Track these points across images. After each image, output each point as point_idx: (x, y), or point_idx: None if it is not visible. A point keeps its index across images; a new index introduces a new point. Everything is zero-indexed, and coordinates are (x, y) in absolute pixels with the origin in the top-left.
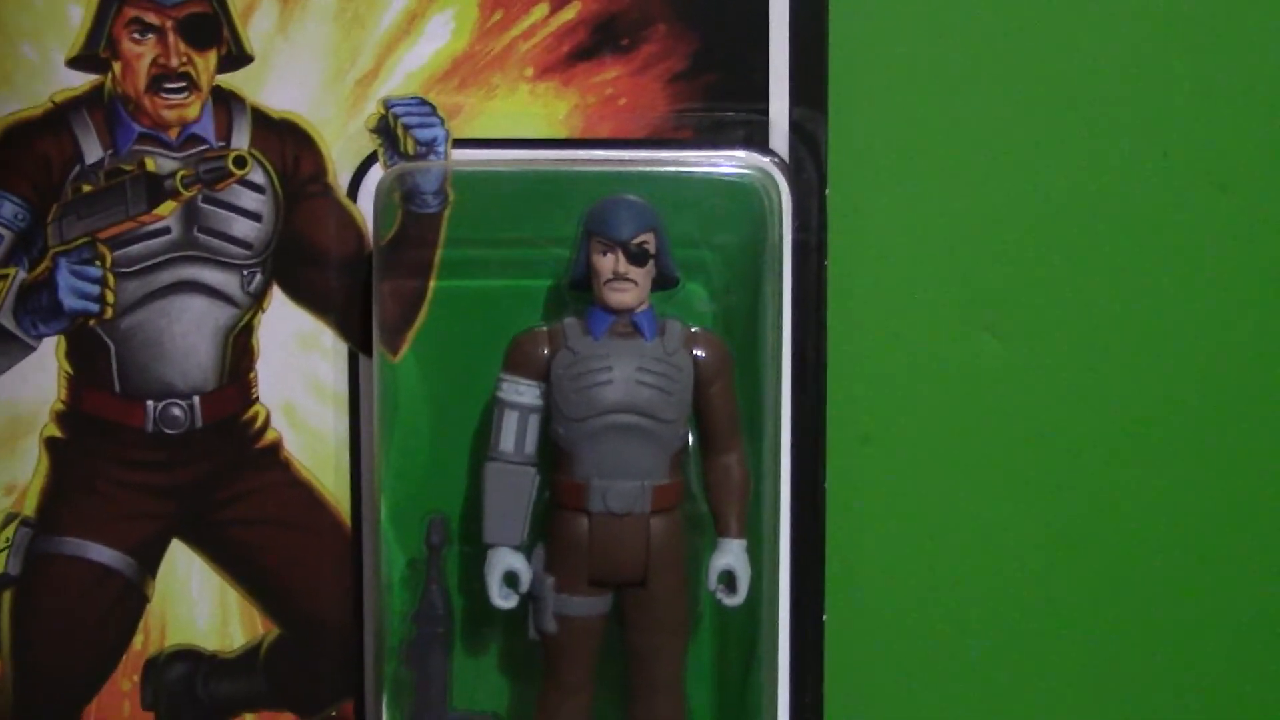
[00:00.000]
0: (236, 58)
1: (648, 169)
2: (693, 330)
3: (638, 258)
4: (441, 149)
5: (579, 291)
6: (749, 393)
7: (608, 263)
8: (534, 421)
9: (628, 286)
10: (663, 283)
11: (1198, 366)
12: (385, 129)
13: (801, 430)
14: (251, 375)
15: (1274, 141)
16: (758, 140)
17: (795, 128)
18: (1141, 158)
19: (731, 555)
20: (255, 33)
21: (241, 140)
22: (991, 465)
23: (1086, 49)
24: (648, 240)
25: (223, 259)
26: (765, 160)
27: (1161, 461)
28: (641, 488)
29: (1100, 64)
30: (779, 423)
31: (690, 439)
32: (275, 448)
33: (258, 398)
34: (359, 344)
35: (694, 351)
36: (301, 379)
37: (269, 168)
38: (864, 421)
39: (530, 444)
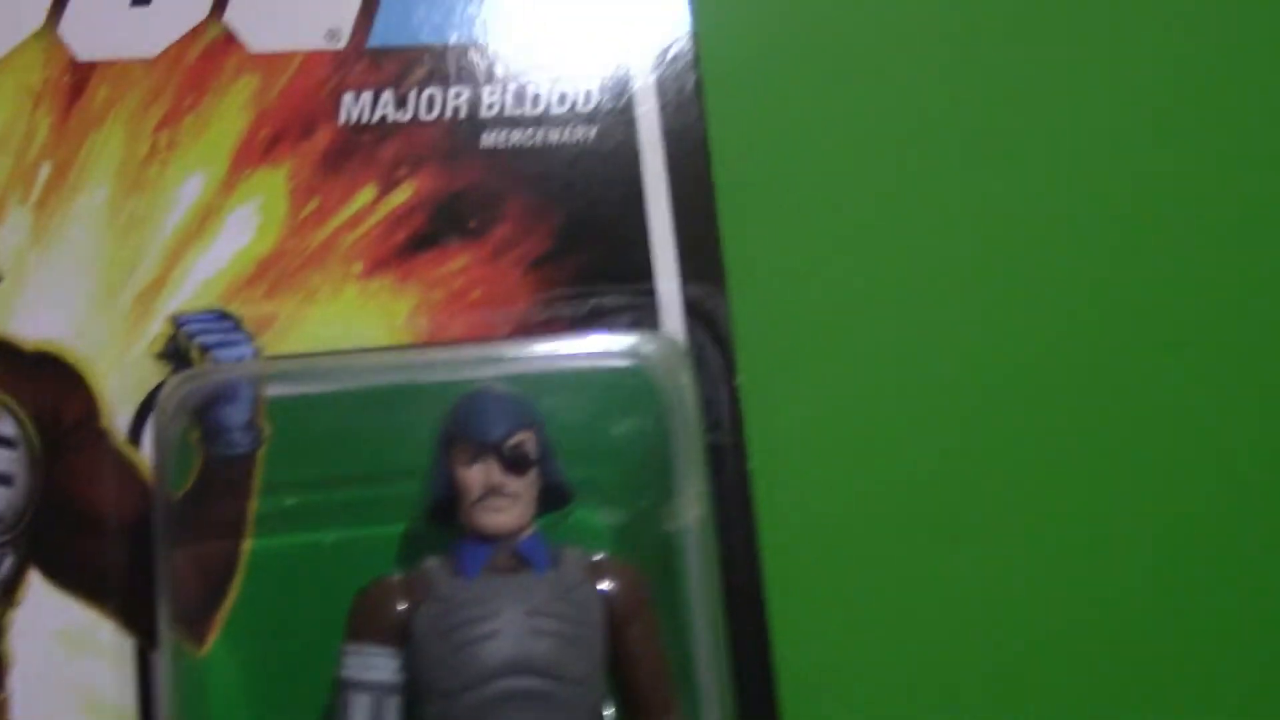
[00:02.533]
0: None
1: (520, 364)
2: (596, 559)
3: (516, 464)
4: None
5: (441, 522)
6: (674, 642)
7: (477, 475)
8: (392, 707)
9: (505, 504)
10: (551, 499)
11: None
12: (176, 353)
13: (742, 677)
14: (2, 696)
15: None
16: (647, 326)
17: (690, 308)
18: (1088, 300)
19: None
20: (2, 248)
21: None
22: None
23: (1026, 178)
24: (525, 440)
25: None
26: (666, 341)
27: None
28: None
29: (1025, 218)
30: (721, 677)
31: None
32: None
33: None
34: (148, 637)
35: (601, 585)
36: (72, 694)
37: (21, 416)
38: (820, 668)
39: None
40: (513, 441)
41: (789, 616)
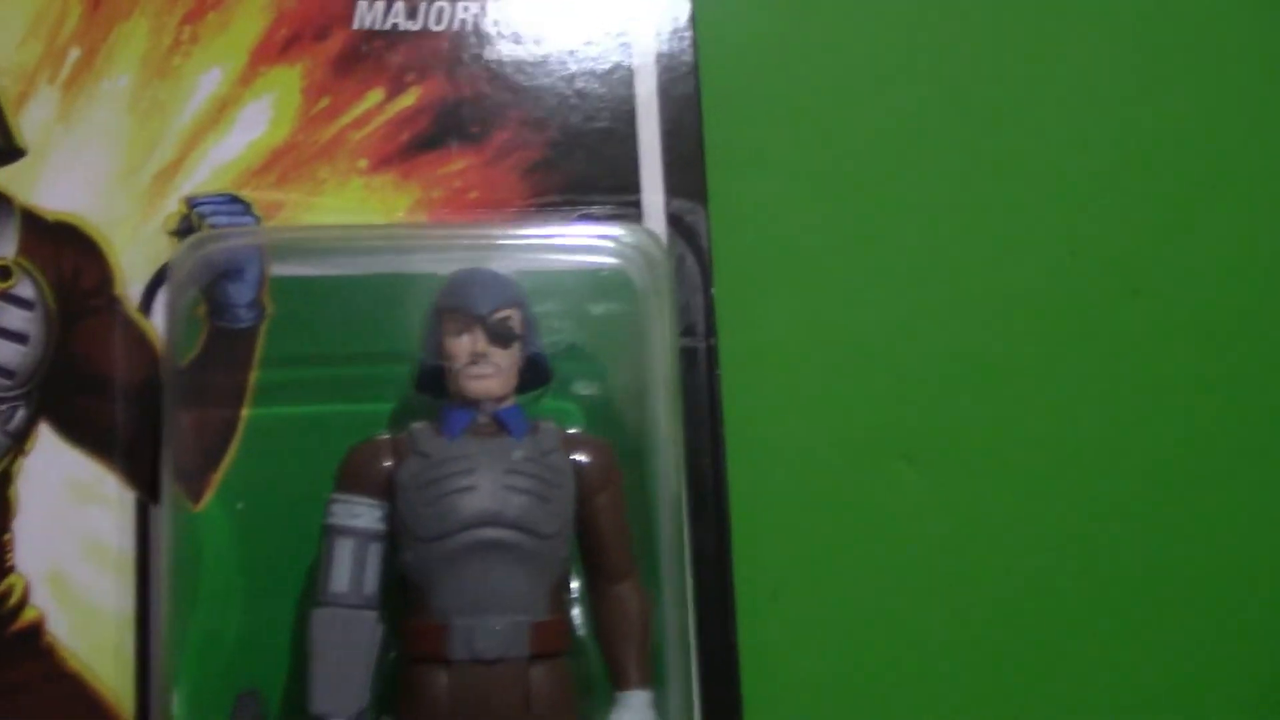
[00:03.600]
0: (4, 152)
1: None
2: (570, 431)
3: (500, 336)
4: (256, 255)
5: (429, 394)
6: (640, 522)
7: (464, 344)
8: (374, 551)
9: (489, 371)
10: (532, 377)
11: (1120, 482)
12: (189, 230)
13: (703, 580)
14: (6, 537)
15: (1188, 243)
16: None
17: (673, 220)
18: (1050, 260)
19: (633, 713)
20: (29, 122)
21: (6, 248)
22: (913, 610)
23: (1000, 142)
24: (511, 316)
25: None
26: (647, 235)
27: (1088, 586)
28: (516, 626)
29: (1010, 159)
30: (681, 563)
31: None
32: (35, 631)
33: (14, 566)
34: (150, 492)
35: (574, 455)
36: (74, 540)
37: (39, 279)
38: (774, 573)
39: (370, 581)
40: (499, 315)
41: (750, 519)
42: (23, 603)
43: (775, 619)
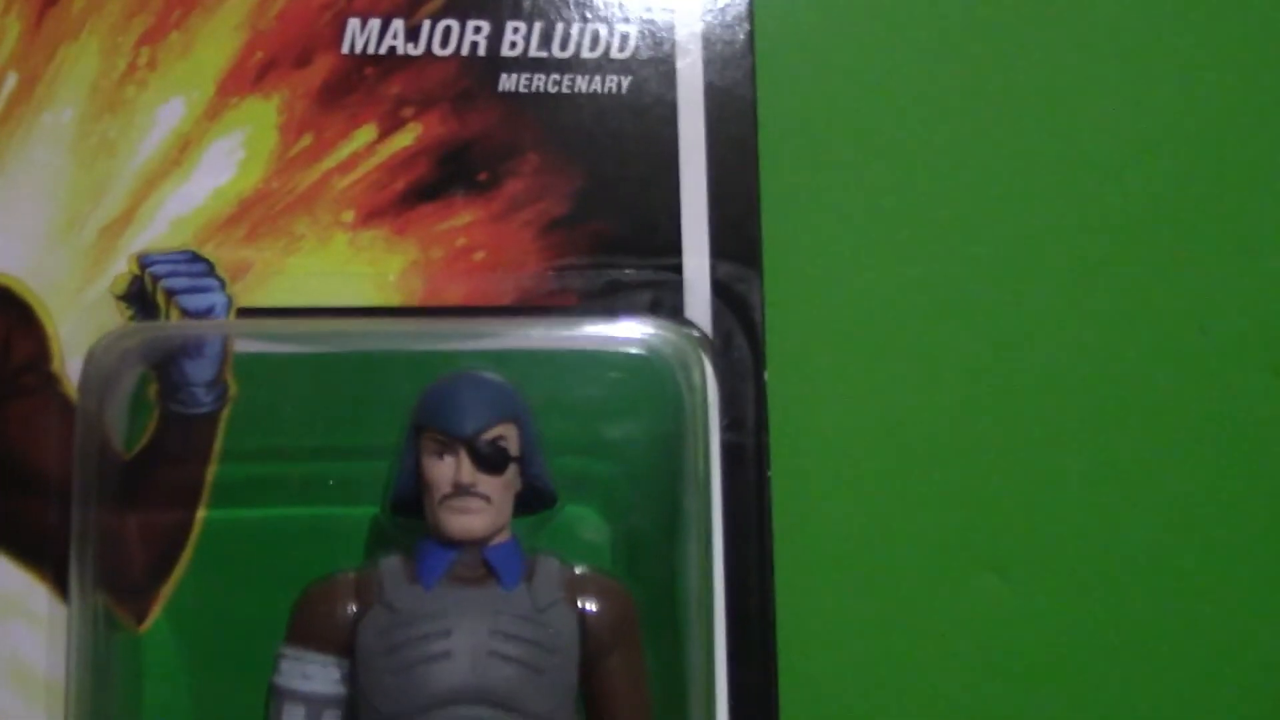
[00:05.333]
0: None
1: (513, 344)
2: (577, 572)
3: (490, 461)
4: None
5: (405, 516)
6: (665, 668)
7: (445, 470)
8: None
9: (475, 505)
10: (531, 500)
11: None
12: (139, 295)
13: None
14: None
15: None
16: (668, 307)
17: (720, 290)
18: (1169, 340)
19: None
20: None
21: None
22: None
23: (1096, 201)
24: (504, 435)
25: None
26: (681, 333)
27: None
28: None
29: (1122, 218)
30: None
31: None
32: None
33: None
34: (89, 608)
35: (580, 605)
36: None
37: None
38: (828, 707)
39: None
40: (489, 435)
41: (798, 649)
42: None
43: None
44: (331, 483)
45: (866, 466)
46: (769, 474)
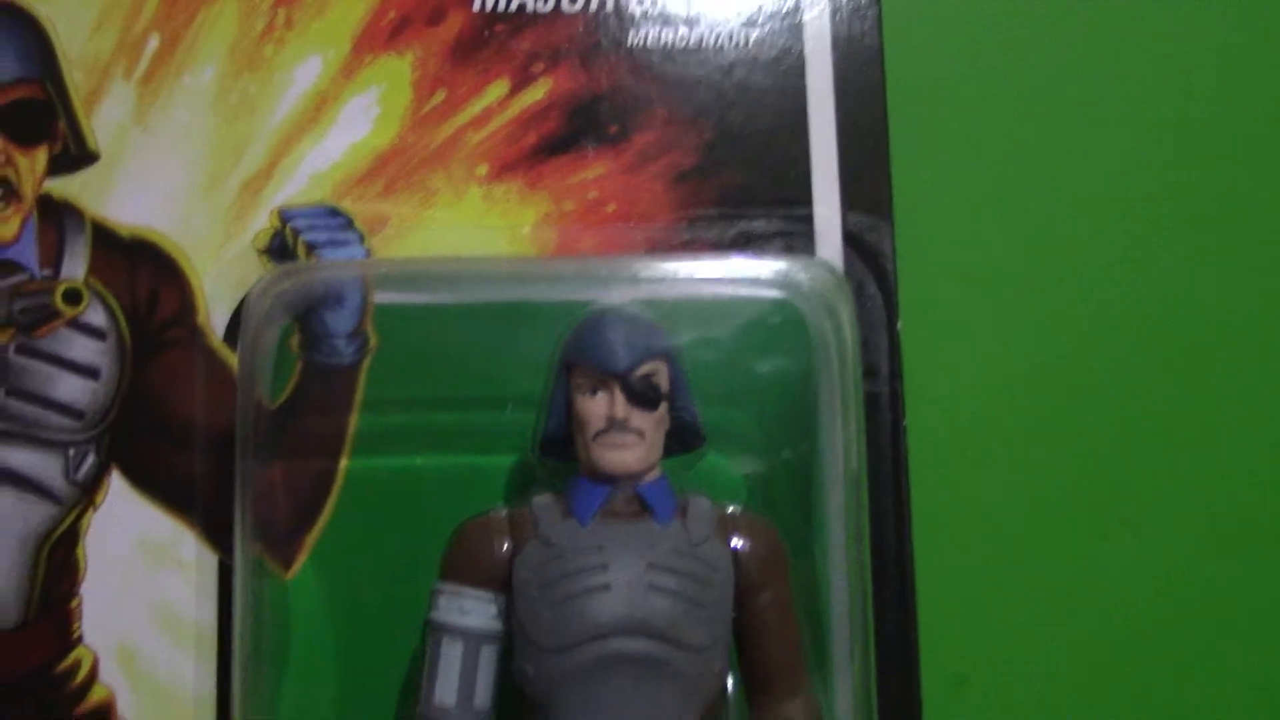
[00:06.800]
0: (75, 157)
1: (659, 288)
2: (730, 511)
3: (644, 398)
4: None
5: (554, 458)
6: (807, 610)
7: (599, 406)
8: (487, 656)
9: (630, 441)
10: (681, 440)
11: None
12: (281, 249)
13: (883, 667)
14: (73, 604)
15: None
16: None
17: (851, 239)
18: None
19: None
20: (102, 123)
21: (75, 268)
22: (1124, 702)
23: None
24: (656, 372)
25: (38, 434)
26: (824, 269)
27: None
28: None
29: (1246, 172)
30: (867, 660)
31: (731, 681)
32: (104, 713)
33: (81, 637)
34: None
35: (733, 542)
36: (147, 609)
37: (113, 305)
38: (963, 657)
39: (482, 694)
40: (642, 371)
41: (936, 596)
42: (91, 679)
43: (962, 710)
44: (471, 432)
45: (999, 416)
46: (904, 423)
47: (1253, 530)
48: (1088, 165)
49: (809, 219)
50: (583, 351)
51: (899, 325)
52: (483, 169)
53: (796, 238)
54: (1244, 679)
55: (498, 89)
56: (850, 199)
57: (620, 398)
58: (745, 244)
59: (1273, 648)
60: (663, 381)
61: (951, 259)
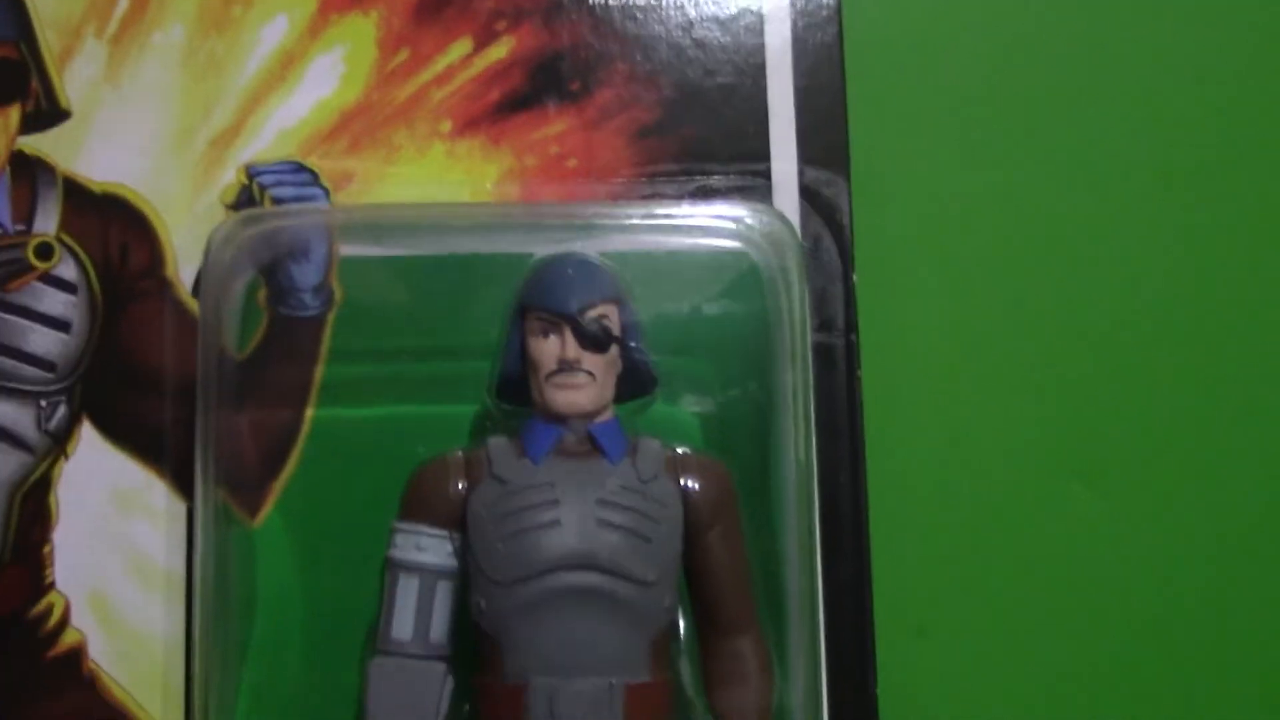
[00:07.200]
0: (47, 114)
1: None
2: (678, 451)
3: (595, 339)
4: (323, 232)
5: (509, 402)
6: (759, 554)
7: (551, 347)
8: (443, 592)
9: (581, 381)
10: (633, 383)
11: None
12: (249, 203)
13: (838, 616)
14: (45, 550)
15: None
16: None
17: (807, 194)
18: (1248, 255)
19: None
20: (74, 81)
21: (47, 223)
22: (1080, 652)
23: (1194, 106)
24: (607, 314)
25: (11, 386)
26: (776, 218)
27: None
28: (609, 689)
29: (1202, 123)
30: (813, 599)
31: (680, 618)
32: (75, 657)
33: (53, 583)
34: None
35: (682, 480)
36: (119, 555)
37: (84, 259)
38: (920, 607)
39: (438, 627)
40: (593, 314)
41: (894, 551)
42: (63, 624)
43: (921, 659)
44: (433, 381)
45: (955, 369)
46: (859, 375)
47: (1211, 484)
48: (1044, 119)
49: (767, 174)
50: (535, 295)
51: (854, 278)
52: (446, 125)
53: (754, 192)
54: (1200, 634)
55: (461, 47)
56: (807, 154)
57: (571, 339)
58: (704, 197)
59: (1232, 604)
60: (614, 324)
61: (907, 214)
